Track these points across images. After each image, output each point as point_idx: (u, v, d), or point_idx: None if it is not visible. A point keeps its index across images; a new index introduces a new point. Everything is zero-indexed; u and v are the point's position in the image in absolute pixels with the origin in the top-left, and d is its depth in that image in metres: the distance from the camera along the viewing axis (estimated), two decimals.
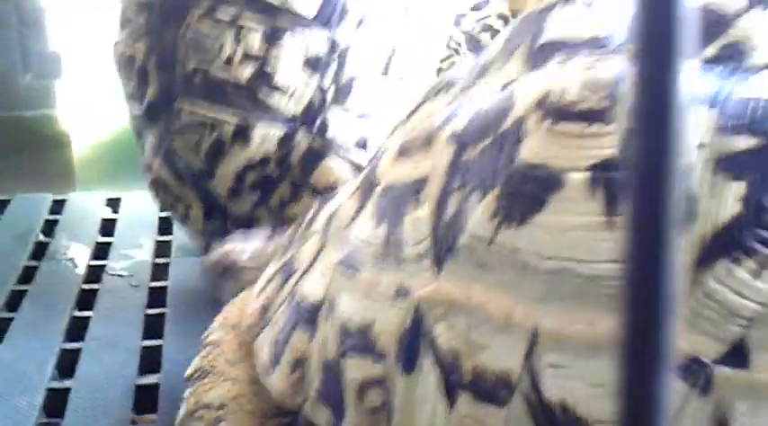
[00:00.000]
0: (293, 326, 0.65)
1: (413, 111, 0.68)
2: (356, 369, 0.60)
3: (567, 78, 0.55)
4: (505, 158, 0.55)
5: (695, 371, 0.47)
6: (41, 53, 1.64)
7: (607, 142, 0.52)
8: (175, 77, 0.95)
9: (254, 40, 0.89)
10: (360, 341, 0.60)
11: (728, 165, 0.49)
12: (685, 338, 0.48)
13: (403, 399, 0.57)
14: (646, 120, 0.20)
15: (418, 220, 0.58)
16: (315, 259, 0.67)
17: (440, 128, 0.60)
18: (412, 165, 0.61)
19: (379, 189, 0.63)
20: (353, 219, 0.64)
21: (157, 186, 1.05)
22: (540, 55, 0.59)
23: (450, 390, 0.55)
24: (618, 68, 0.54)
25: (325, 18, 0.91)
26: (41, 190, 1.51)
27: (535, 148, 0.54)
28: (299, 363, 0.64)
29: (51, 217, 1.42)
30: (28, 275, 1.25)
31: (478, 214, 0.55)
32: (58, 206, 1.46)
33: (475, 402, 0.54)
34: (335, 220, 0.68)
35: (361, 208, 0.63)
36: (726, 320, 0.47)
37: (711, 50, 0.53)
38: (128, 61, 0.99)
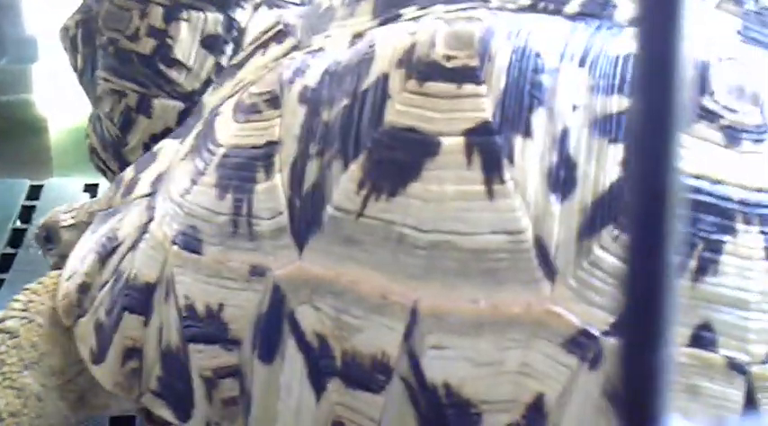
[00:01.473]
0: (122, 310, 0.58)
1: (242, 62, 0.62)
2: (206, 358, 0.53)
3: (430, 31, 0.50)
4: (369, 120, 0.50)
5: (584, 344, 0.45)
6: (17, 37, 1.58)
7: (482, 103, 0.48)
8: (95, 47, 1.03)
9: (157, 15, 0.98)
10: (208, 326, 0.53)
11: (604, 127, 0.46)
12: (574, 310, 0.45)
13: (263, 389, 0.52)
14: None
15: (272, 190, 0.52)
16: (143, 232, 0.59)
17: (288, 84, 0.54)
18: (259, 127, 0.54)
19: (220, 153, 0.56)
20: (190, 188, 0.56)
21: (91, 152, 1.08)
22: (393, 2, 0.54)
23: (319, 377, 0.50)
24: (483, 20, 0.49)
25: None
26: (18, 176, 1.46)
27: (403, 110, 0.49)
28: (133, 352, 0.57)
29: (28, 203, 1.38)
30: (5, 262, 1.20)
31: (344, 184, 0.50)
32: (35, 192, 1.41)
33: (347, 389, 0.49)
34: (164, 188, 0.60)
35: (199, 174, 0.56)
36: (614, 288, 0.45)
37: (574, 7, 0.50)
38: (64, 32, 1.08)
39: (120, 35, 0.99)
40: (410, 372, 0.47)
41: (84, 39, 1.05)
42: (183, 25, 0.96)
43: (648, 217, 0.19)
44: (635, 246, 0.19)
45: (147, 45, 0.96)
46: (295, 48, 0.59)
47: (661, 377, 0.19)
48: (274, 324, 0.51)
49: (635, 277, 0.19)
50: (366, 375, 0.48)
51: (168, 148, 0.67)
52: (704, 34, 0.50)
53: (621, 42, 0.49)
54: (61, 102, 1.64)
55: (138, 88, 0.97)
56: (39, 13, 1.65)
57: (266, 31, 0.65)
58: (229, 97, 0.61)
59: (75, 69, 1.11)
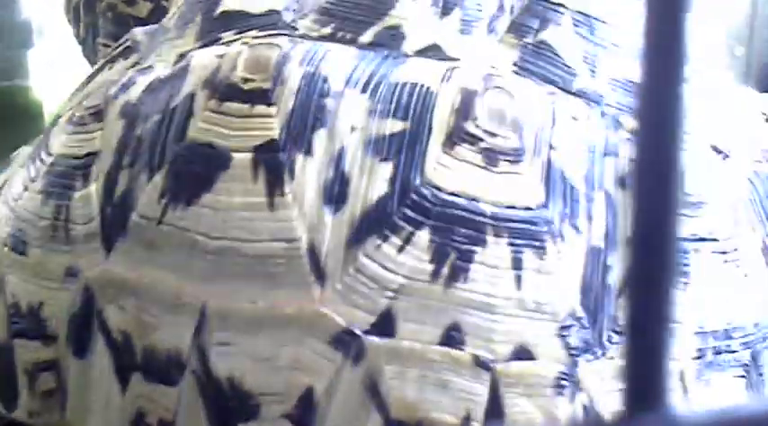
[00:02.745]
0: None
1: (91, 77, 0.66)
2: (27, 352, 0.57)
3: (234, 55, 0.55)
4: (175, 135, 0.55)
5: (348, 342, 0.50)
6: (12, 23, 1.57)
7: (270, 123, 0.53)
8: (96, 15, 1.04)
9: None
10: (30, 323, 0.57)
11: (378, 148, 0.51)
12: (339, 311, 0.50)
13: (77, 383, 0.56)
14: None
15: (88, 198, 0.57)
16: None
17: (112, 100, 0.59)
18: (83, 138, 0.59)
19: (49, 161, 0.60)
20: (22, 194, 0.61)
21: None
22: (216, 26, 0.59)
23: (123, 372, 0.54)
24: (282, 47, 0.55)
25: None
26: None
27: (203, 126, 0.54)
28: None
29: None
30: None
31: (148, 193, 0.54)
32: None
33: (147, 382, 0.54)
34: (7, 191, 0.64)
35: (31, 181, 0.61)
36: (375, 292, 0.50)
37: (367, 37, 0.55)
38: (68, 3, 1.10)
39: (117, 0, 1.05)
40: (200, 367, 0.52)
41: (85, 7, 1.07)
42: None
43: (651, 216, 0.19)
44: (639, 238, 0.19)
45: (143, 8, 1.02)
46: (137, 64, 0.64)
47: (664, 365, 0.19)
48: (85, 322, 0.55)
49: (638, 269, 0.19)
50: (163, 369, 0.53)
51: (21, 155, 0.71)
52: (481, 66, 0.55)
53: (403, 70, 0.54)
54: (57, 87, 1.59)
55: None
56: None
57: (117, 47, 0.69)
58: (70, 109, 0.65)
59: (79, 39, 1.16)
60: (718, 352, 0.53)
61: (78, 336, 0.56)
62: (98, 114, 0.60)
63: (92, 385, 0.56)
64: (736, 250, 0.55)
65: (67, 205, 0.57)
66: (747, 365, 0.54)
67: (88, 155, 0.58)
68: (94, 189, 0.57)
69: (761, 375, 0.54)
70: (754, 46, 1.18)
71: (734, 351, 0.53)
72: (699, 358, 0.53)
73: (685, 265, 0.53)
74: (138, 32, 0.69)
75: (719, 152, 0.58)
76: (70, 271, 0.56)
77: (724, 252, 0.54)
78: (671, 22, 0.18)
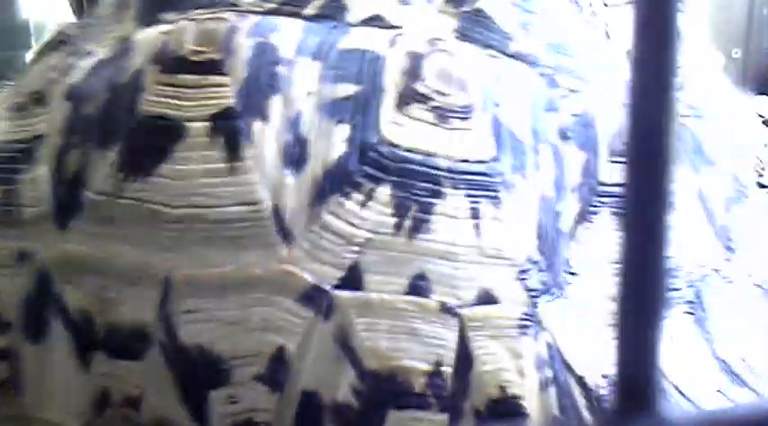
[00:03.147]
0: None
1: (26, 72, 0.65)
2: None
3: (181, 30, 0.55)
4: (126, 111, 0.54)
5: (318, 298, 0.50)
6: (10, 24, 1.54)
7: (225, 92, 0.53)
8: (97, 4, 1.04)
9: None
10: None
11: (333, 110, 0.53)
12: (307, 268, 0.51)
13: (33, 369, 0.54)
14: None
15: (36, 180, 0.56)
16: None
17: (53, 84, 0.58)
18: (25, 123, 0.58)
19: None
20: None
21: None
22: (154, 8, 0.59)
23: (84, 352, 0.53)
24: (229, 20, 0.55)
25: None
26: None
27: (154, 99, 0.54)
28: None
29: None
30: None
31: (102, 169, 0.54)
32: None
33: (110, 359, 0.53)
34: None
35: None
36: (341, 248, 0.51)
37: (312, 9, 0.57)
38: None
39: None
40: (166, 337, 0.52)
41: None
42: None
43: (644, 205, 0.19)
44: (630, 234, 0.19)
45: None
46: (73, 54, 0.63)
47: (655, 366, 0.19)
48: (40, 305, 0.54)
49: (631, 263, 0.19)
50: (128, 344, 0.52)
51: None
52: (424, 32, 0.57)
53: (351, 38, 0.56)
54: None
55: None
56: None
57: (49, 42, 0.68)
58: (7, 99, 0.64)
59: None
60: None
61: (33, 321, 0.55)
62: (40, 99, 0.59)
63: (49, 370, 0.54)
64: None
65: (15, 189, 0.56)
66: (693, 302, 0.57)
67: (33, 138, 0.57)
68: (43, 171, 0.56)
69: (704, 311, 0.58)
70: (751, 48, 1.23)
71: (678, 289, 0.57)
72: None
73: None
74: (68, 26, 0.69)
75: None
76: (22, 256, 0.55)
77: None
78: (661, 23, 0.18)
